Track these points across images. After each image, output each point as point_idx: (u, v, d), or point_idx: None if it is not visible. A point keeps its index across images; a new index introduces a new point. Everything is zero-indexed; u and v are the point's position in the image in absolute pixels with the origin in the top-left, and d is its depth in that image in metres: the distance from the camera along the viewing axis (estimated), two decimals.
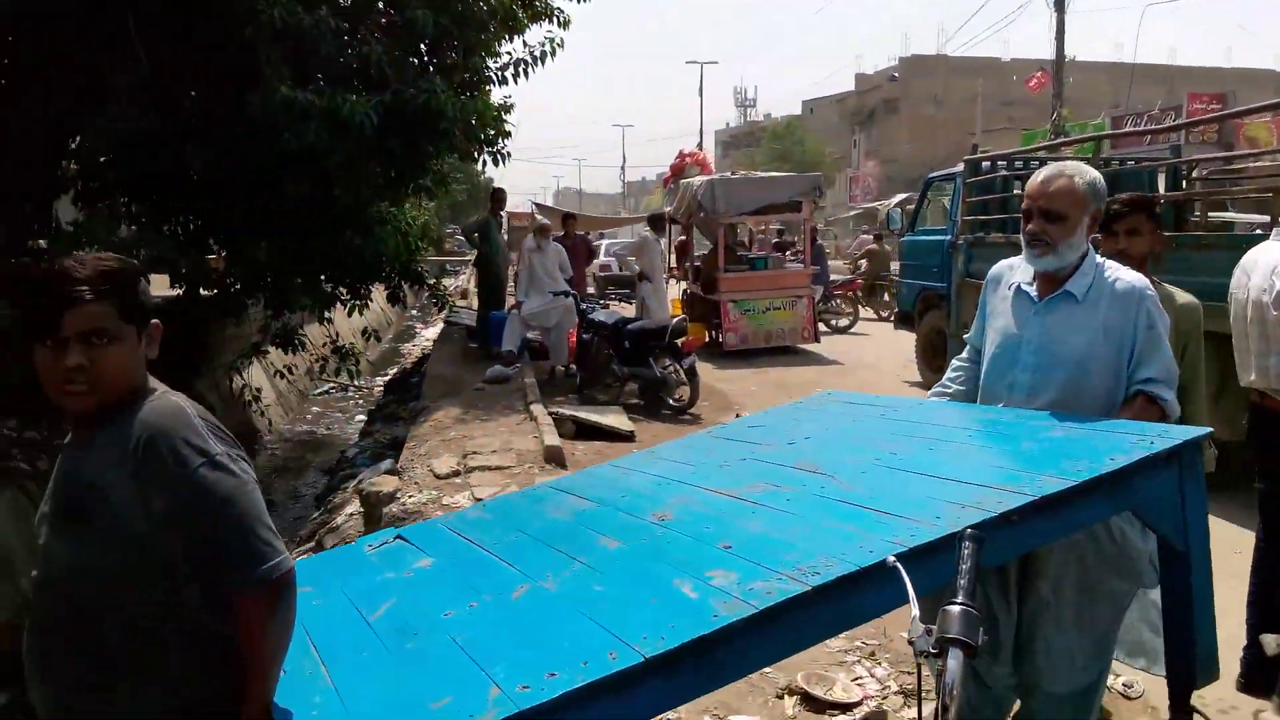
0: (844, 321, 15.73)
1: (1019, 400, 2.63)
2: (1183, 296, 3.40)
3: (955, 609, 1.58)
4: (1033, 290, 2.69)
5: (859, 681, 3.72)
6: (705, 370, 11.41)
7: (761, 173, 15.84)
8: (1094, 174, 2.65)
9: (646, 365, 9.00)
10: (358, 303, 11.07)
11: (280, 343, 10.83)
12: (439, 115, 9.04)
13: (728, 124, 77.29)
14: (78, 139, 9.36)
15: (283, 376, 12.66)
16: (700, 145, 49.06)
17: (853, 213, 44.06)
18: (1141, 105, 33.15)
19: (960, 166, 9.87)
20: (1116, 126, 25.81)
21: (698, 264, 14.16)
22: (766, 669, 3.82)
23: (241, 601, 1.59)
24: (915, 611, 1.59)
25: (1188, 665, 2.29)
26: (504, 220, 13.74)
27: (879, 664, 3.86)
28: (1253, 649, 3.45)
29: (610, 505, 2.31)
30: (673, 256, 16.79)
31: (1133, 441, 2.09)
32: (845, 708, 3.53)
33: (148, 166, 8.81)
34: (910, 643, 1.55)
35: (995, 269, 2.91)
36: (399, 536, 2.31)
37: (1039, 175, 2.65)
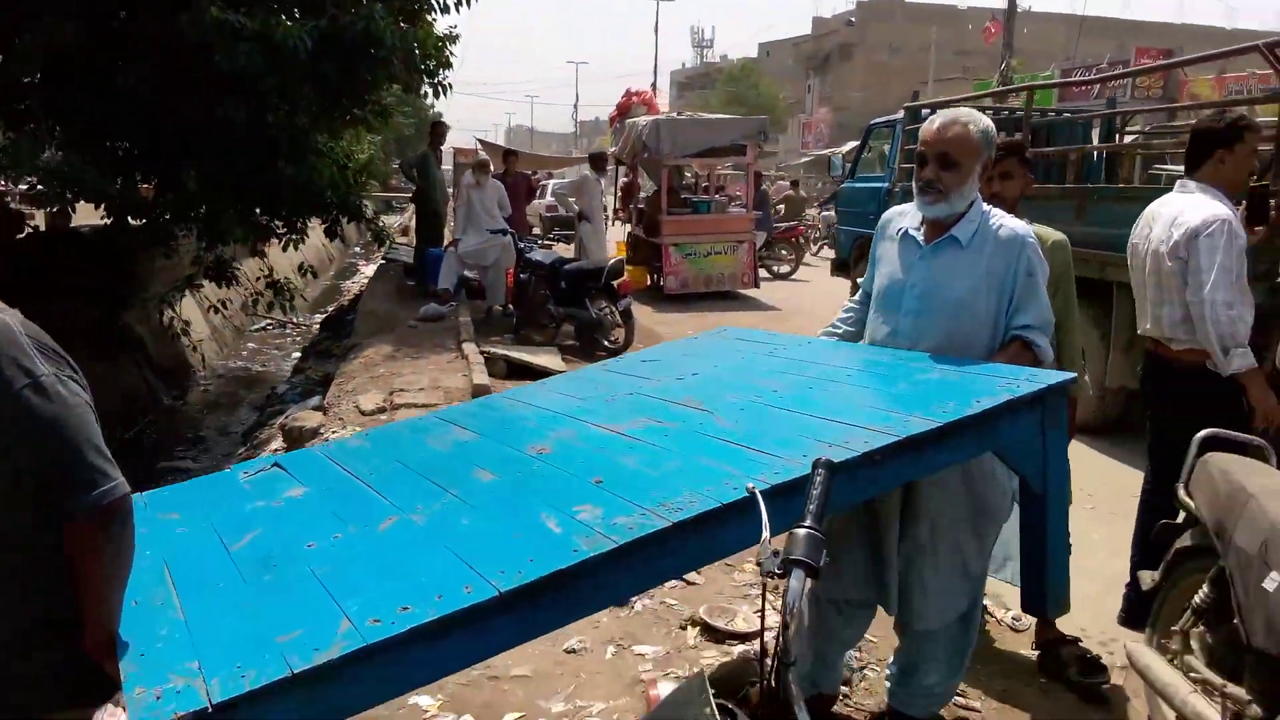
0: (785, 268, 15.80)
1: (902, 344, 2.67)
2: (1053, 235, 3.55)
3: (801, 532, 1.66)
4: (919, 235, 2.73)
5: (759, 613, 3.82)
6: (644, 313, 11.44)
7: (708, 115, 15.70)
8: (987, 122, 2.67)
9: (582, 306, 8.98)
10: (294, 237, 10.86)
11: (214, 276, 10.61)
12: (378, 42, 8.86)
13: (683, 64, 76.40)
14: (1, 58, 8.99)
15: (217, 311, 12.41)
16: (654, 85, 48.45)
17: (804, 159, 43.98)
18: (1092, 59, 33.37)
19: (901, 114, 9.90)
20: (1066, 79, 25.91)
21: (641, 206, 14.08)
22: (671, 601, 3.93)
23: (72, 529, 1.55)
24: (766, 535, 1.64)
25: (1041, 598, 2.38)
26: (444, 155, 13.50)
27: (780, 596, 3.96)
28: (1134, 585, 3.59)
29: (492, 437, 2.32)
30: (613, 198, 16.66)
31: (1000, 385, 2.15)
32: (744, 637, 3.63)
33: (75, 87, 8.52)
34: (758, 564, 1.62)
35: (885, 215, 2.95)
36: (276, 464, 2.30)
37: (934, 121, 2.66)
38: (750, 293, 13.04)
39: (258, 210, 10.22)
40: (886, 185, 9.65)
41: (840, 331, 3.03)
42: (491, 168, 11.13)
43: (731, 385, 2.57)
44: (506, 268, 10.22)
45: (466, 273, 10.73)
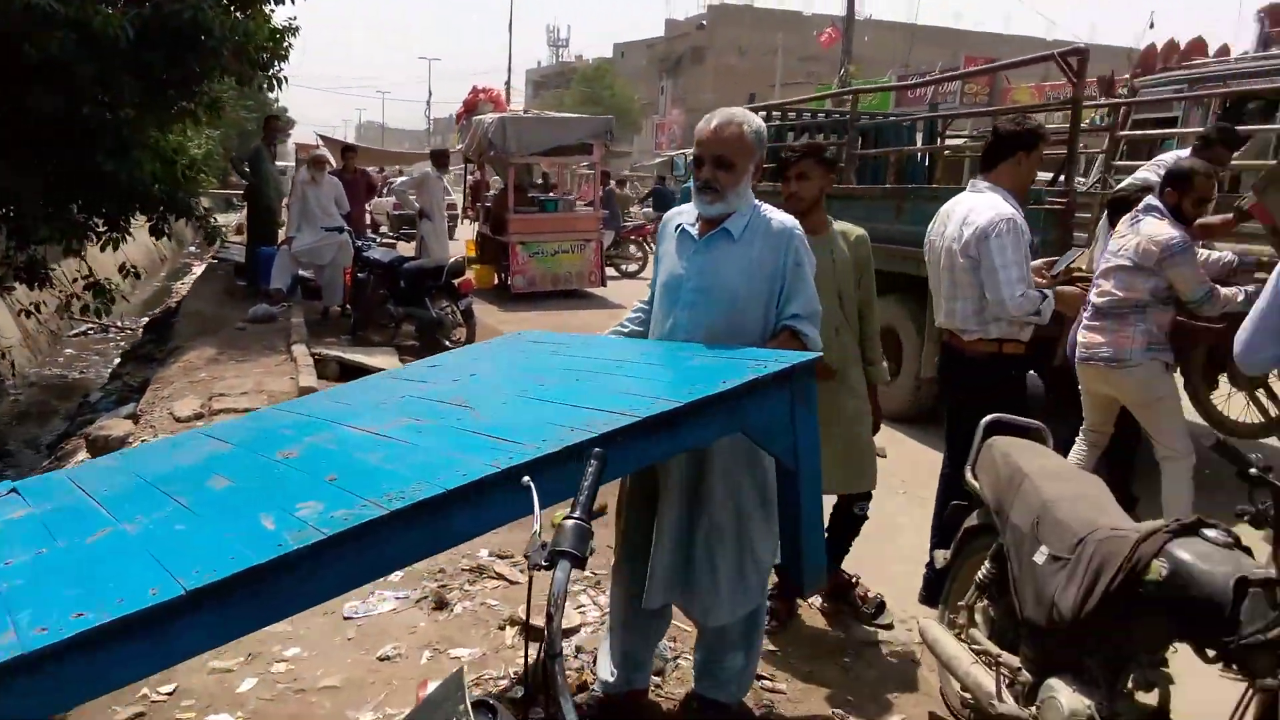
0: (633, 266, 15.93)
1: (681, 337, 2.71)
2: (856, 231, 3.77)
3: (569, 523, 1.67)
4: (694, 230, 2.78)
5: (580, 609, 3.82)
6: (490, 312, 11.33)
7: (554, 113, 15.66)
8: (759, 122, 2.74)
9: (422, 305, 8.80)
10: (115, 235, 10.19)
11: (25, 278, 9.82)
12: (206, 32, 8.44)
13: (539, 63, 76.08)
14: None
15: (30, 315, 11.52)
16: (509, 83, 48.14)
17: (658, 160, 44.49)
18: (926, 65, 35.04)
19: None
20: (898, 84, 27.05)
21: (489, 204, 13.93)
22: (491, 601, 3.88)
23: None
24: (537, 527, 1.64)
25: (798, 575, 2.43)
26: (288, 151, 12.98)
27: (603, 592, 3.98)
28: (932, 564, 3.78)
29: (245, 446, 2.22)
30: (462, 196, 16.39)
31: (749, 366, 2.18)
32: (564, 633, 3.62)
33: None
34: (526, 557, 1.62)
35: (666, 216, 3.00)
36: (14, 490, 2.15)
37: (711, 121, 2.70)
38: (598, 291, 13.08)
39: (74, 207, 9.54)
40: None
41: (628, 330, 3.07)
42: (332, 163, 10.75)
43: (503, 384, 2.56)
44: (344, 267, 9.91)
45: (302, 272, 10.36)
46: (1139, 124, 7.72)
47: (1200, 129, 7.14)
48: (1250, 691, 2.15)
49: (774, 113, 9.91)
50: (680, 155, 13.43)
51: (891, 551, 4.57)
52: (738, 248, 2.69)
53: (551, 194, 14.39)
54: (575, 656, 3.37)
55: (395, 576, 4.10)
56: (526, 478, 1.69)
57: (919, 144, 9.44)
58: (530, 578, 1.69)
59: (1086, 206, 6.41)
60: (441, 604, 3.85)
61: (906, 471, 5.43)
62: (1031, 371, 6.80)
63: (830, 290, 3.66)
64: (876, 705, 3.31)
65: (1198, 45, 8.91)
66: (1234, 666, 2.15)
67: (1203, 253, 4.92)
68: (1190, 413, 5.84)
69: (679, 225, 2.85)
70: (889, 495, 5.31)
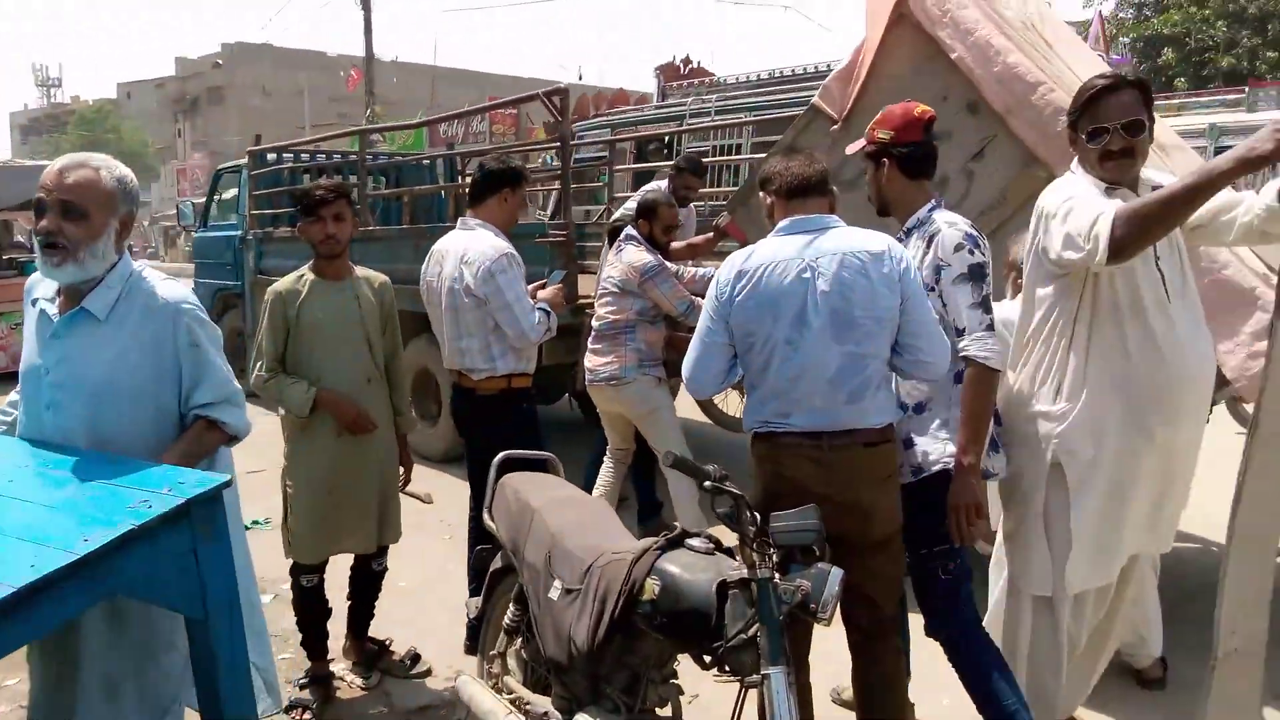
0: None
1: (53, 443, 2.22)
2: (378, 277, 3.65)
3: None
4: (53, 308, 2.28)
5: None
6: None
7: (29, 162, 13.48)
8: (127, 171, 2.32)
9: None
10: None
11: None
12: None
13: (26, 106, 66.50)
14: None
15: None
16: None
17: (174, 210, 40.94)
18: (454, 105, 35.99)
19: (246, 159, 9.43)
20: (431, 127, 27.49)
21: None
22: None
23: None
24: None
25: None
26: None
27: None
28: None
29: None
30: None
31: (128, 507, 1.77)
32: None
33: None
34: None
35: (29, 282, 2.47)
36: None
37: (56, 164, 2.25)
38: None
39: None
40: (240, 233, 9.13)
41: (11, 418, 2.47)
42: None
43: None
44: None
45: None
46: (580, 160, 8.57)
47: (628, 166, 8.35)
48: (743, 690, 2.22)
49: (284, 154, 9.34)
50: (187, 202, 11.97)
51: (438, 601, 4.39)
52: (105, 331, 2.22)
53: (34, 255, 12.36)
54: None
55: None
56: None
57: (440, 183, 9.49)
58: None
59: (598, 235, 6.82)
60: None
61: (456, 515, 5.29)
62: (569, 396, 7.09)
63: (359, 339, 3.50)
64: None
65: (621, 96, 10.18)
66: (727, 669, 2.22)
67: (690, 269, 5.41)
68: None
69: (36, 300, 2.33)
70: (435, 542, 5.15)
